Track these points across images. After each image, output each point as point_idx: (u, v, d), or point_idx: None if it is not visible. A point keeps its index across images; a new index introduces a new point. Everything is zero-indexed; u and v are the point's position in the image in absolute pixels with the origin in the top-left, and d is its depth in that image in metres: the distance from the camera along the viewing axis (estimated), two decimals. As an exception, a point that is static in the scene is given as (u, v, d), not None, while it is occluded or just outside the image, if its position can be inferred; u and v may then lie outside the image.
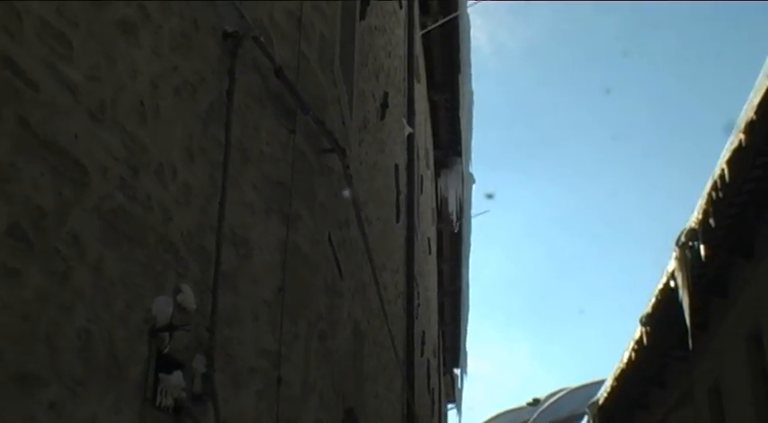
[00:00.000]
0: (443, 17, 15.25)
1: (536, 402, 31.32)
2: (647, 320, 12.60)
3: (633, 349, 13.51)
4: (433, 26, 15.01)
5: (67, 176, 3.45)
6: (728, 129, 8.99)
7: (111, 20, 3.85)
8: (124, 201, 3.83)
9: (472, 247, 21.24)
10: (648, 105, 62.41)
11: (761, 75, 8.30)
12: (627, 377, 14.50)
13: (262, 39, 5.14)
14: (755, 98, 8.34)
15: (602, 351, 64.06)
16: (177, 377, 4.01)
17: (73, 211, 3.47)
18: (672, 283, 11.16)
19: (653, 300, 12.14)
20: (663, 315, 11.95)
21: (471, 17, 16.19)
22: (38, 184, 3.28)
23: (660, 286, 11.72)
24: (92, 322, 3.52)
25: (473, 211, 20.75)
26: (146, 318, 3.90)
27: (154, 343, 3.93)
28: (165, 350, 3.98)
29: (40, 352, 3.20)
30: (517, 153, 68.16)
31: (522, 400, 34.78)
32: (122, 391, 3.68)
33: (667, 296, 11.46)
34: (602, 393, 16.33)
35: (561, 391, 29.76)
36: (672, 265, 11.04)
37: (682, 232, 10.64)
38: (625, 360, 14.11)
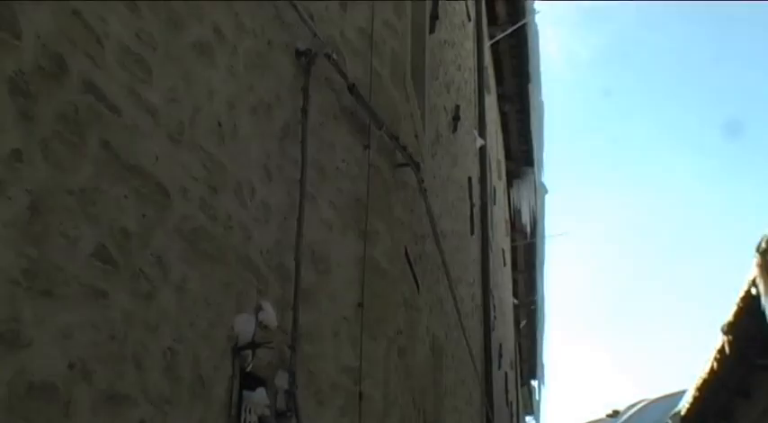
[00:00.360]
0: (513, 25, 15.19)
1: (615, 414, 30.91)
2: (729, 329, 12.36)
3: (715, 359, 13.26)
4: (502, 35, 14.95)
5: (150, 198, 3.50)
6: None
7: (187, 42, 3.90)
8: (205, 220, 3.87)
9: (550, 258, 21.09)
10: (726, 111, 61.48)
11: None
12: (710, 388, 14.22)
13: (334, 56, 5.16)
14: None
15: (682, 361, 63.06)
16: (261, 394, 4.04)
17: (156, 232, 3.52)
18: (754, 291, 10.94)
19: (735, 308, 11.91)
20: (745, 323, 11.71)
21: (542, 27, 16.10)
22: (122, 206, 3.33)
23: (742, 294, 11.49)
24: (177, 341, 3.56)
25: (547, 225, 20.62)
26: (229, 336, 3.94)
27: (237, 361, 3.97)
28: (249, 368, 4.02)
29: (128, 372, 3.24)
30: (593, 162, 67.58)
31: (601, 411, 34.41)
32: (208, 409, 3.71)
33: (749, 304, 11.22)
34: (685, 404, 16.01)
35: (641, 402, 29.29)
36: (753, 272, 10.83)
37: (763, 238, 10.42)
38: (707, 370, 13.86)
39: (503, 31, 15.00)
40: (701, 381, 14.40)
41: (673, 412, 17.05)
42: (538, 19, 16.07)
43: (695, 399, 15.11)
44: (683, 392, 17.22)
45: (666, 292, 71.52)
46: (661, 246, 69.93)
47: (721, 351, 12.93)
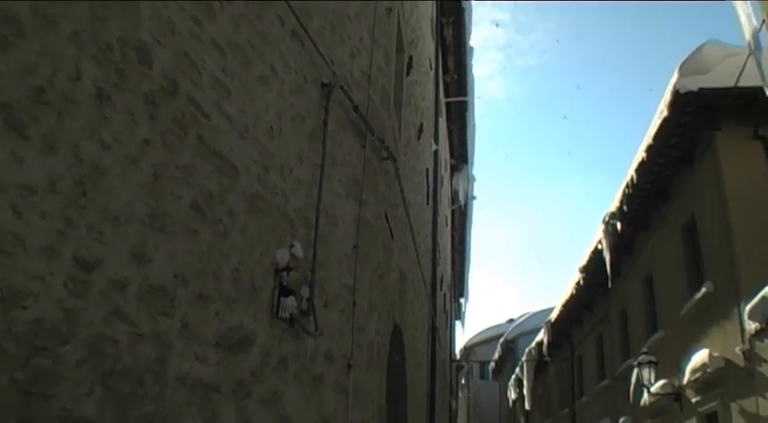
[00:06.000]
0: (458, 75, 15.14)
1: (511, 321, 31.15)
2: (583, 269, 12.57)
3: (574, 287, 13.51)
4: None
5: (226, 173, 3.52)
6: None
7: (254, 75, 3.90)
8: (260, 188, 3.89)
9: (475, 222, 20.92)
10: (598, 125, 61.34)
11: (657, 110, 8.17)
12: (569, 305, 14.51)
13: (345, 87, 5.15)
14: (651, 130, 8.34)
15: (555, 288, 63.53)
16: (291, 300, 4.06)
17: (229, 195, 3.54)
18: (599, 246, 11.16)
19: (587, 256, 12.13)
20: (593, 266, 11.96)
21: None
22: (209, 177, 3.35)
23: (592, 248, 11.69)
24: (240, 264, 3.58)
25: (475, 202, 20.62)
26: (272, 262, 3.96)
27: (277, 278, 3.99)
28: (284, 283, 4.04)
29: (209, 282, 3.28)
30: (514, 162, 67.32)
31: (503, 318, 34.63)
32: (259, 308, 3.75)
33: (596, 254, 11.50)
34: (553, 315, 16.24)
35: (527, 313, 29.51)
36: (599, 234, 11.03)
37: (606, 214, 10.63)
38: (568, 295, 14.11)
39: (452, 78, 14.96)
40: (564, 301, 14.63)
41: (546, 319, 17.23)
42: (475, 69, 15.92)
43: (560, 312, 15.33)
44: (552, 308, 17.40)
45: (552, 247, 71.93)
46: (550, 218, 70.17)
47: (578, 283, 13.14)
